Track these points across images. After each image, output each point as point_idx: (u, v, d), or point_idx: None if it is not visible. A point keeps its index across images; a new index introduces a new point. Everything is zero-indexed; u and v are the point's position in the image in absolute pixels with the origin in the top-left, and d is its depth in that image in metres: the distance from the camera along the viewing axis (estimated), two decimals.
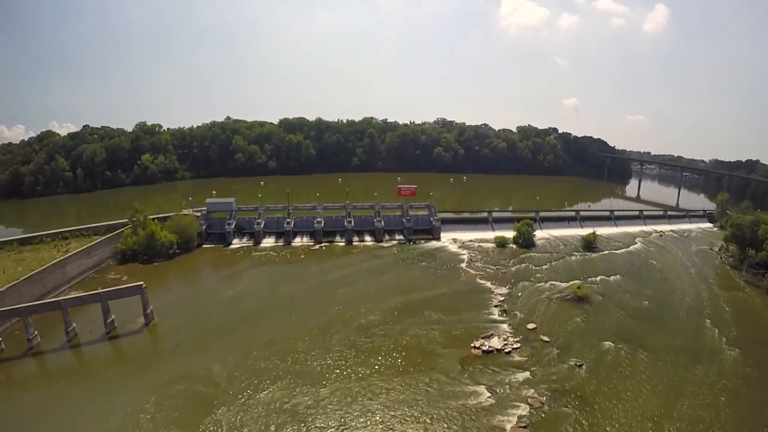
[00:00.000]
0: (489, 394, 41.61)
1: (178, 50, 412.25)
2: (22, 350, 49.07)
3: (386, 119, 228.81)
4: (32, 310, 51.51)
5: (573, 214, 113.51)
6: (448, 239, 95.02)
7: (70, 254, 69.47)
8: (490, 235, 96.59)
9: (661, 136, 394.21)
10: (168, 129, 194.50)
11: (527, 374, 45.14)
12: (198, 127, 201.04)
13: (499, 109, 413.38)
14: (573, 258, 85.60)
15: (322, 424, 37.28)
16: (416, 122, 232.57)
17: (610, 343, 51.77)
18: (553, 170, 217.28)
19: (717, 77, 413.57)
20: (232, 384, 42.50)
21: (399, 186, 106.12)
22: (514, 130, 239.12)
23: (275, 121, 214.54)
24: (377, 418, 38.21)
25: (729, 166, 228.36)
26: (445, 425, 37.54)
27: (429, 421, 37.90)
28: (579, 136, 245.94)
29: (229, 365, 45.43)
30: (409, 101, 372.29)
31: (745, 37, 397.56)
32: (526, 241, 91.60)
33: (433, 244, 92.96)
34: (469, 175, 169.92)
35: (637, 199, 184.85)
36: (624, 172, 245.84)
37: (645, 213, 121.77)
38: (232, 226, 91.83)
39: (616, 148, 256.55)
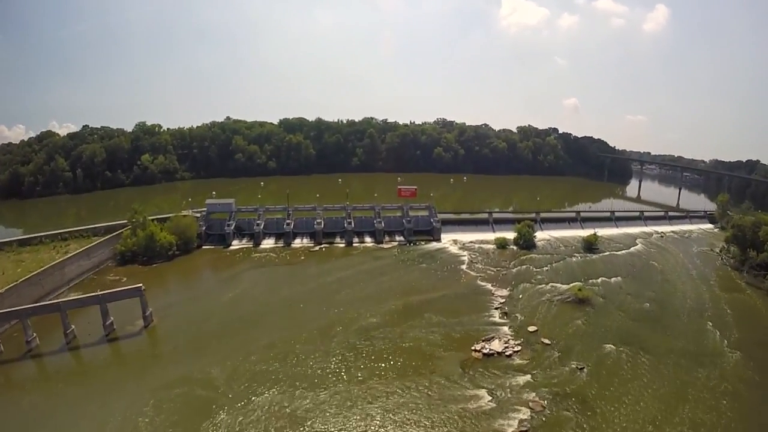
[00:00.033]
0: (490, 398, 41.37)
1: (178, 50, 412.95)
2: (21, 352, 48.91)
3: (386, 119, 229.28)
4: (31, 312, 51.26)
5: (574, 215, 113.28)
6: (449, 240, 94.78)
7: (69, 255, 69.29)
8: (491, 236, 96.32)
9: (661, 136, 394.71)
10: (168, 129, 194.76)
11: (528, 377, 44.90)
12: (198, 127, 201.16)
13: (499, 109, 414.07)
14: (574, 259, 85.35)
15: (322, 429, 37.04)
16: (416, 122, 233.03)
17: (612, 346, 51.52)
18: (554, 170, 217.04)
19: (717, 77, 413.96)
20: (231, 387, 42.25)
21: (399, 187, 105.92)
22: (515, 130, 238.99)
23: (275, 122, 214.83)
24: (377, 422, 37.96)
25: (729, 167, 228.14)
26: (446, 430, 37.28)
27: (429, 426, 37.65)
28: (579, 136, 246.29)
29: (228, 368, 45.20)
30: (409, 101, 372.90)
31: (745, 37, 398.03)
32: (526, 243, 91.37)
33: (434, 245, 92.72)
34: (470, 176, 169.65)
35: (638, 199, 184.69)
36: (624, 172, 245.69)
37: (646, 214, 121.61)
38: (232, 227, 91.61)
39: (617, 148, 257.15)
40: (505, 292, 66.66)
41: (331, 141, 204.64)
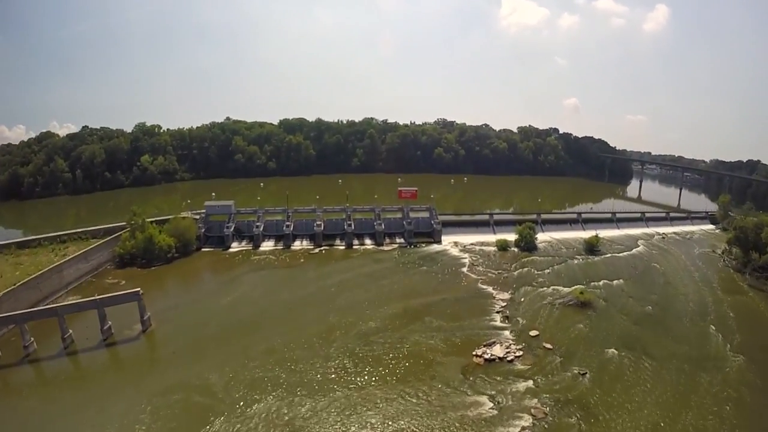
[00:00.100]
0: (491, 405, 40.91)
1: (178, 50, 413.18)
2: (19, 357, 48.59)
3: (386, 120, 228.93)
4: (28, 317, 50.97)
5: (575, 216, 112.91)
6: (449, 242, 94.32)
7: (67, 258, 68.94)
8: (492, 238, 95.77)
9: (661, 136, 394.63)
10: (167, 130, 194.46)
11: (530, 383, 44.43)
12: (197, 127, 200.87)
13: (499, 109, 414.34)
14: (575, 261, 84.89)
15: None
16: (417, 123, 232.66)
17: (614, 351, 51.07)
18: (554, 171, 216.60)
19: (717, 77, 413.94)
20: (229, 394, 41.83)
21: (399, 189, 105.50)
22: (515, 130, 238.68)
23: (275, 122, 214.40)
24: (377, 430, 37.51)
25: (730, 167, 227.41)
26: None
27: None
28: (580, 136, 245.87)
29: (226, 374, 44.78)
30: (409, 101, 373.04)
31: (745, 37, 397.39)
32: (527, 245, 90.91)
33: (434, 247, 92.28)
34: (470, 176, 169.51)
35: (639, 199, 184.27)
36: (625, 172, 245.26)
37: (647, 215, 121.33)
38: (231, 229, 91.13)
39: (617, 148, 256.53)
40: (506, 296, 66.20)
41: (331, 141, 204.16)
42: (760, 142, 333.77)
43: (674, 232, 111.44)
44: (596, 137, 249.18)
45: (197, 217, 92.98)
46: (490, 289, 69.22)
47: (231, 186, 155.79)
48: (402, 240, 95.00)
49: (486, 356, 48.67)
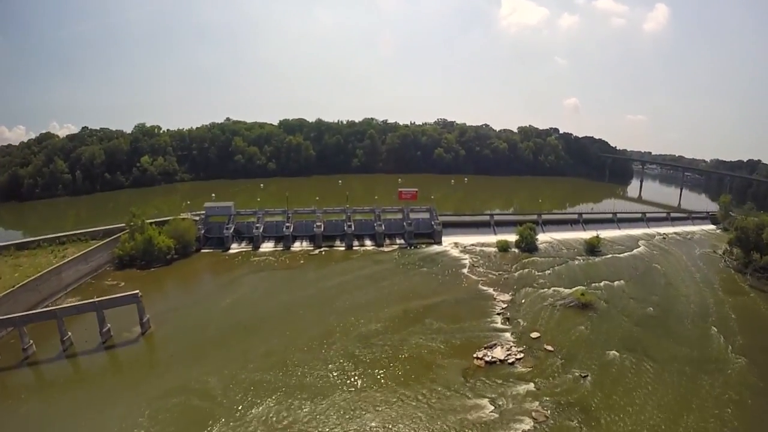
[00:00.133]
0: (492, 408, 40.65)
1: (178, 50, 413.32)
2: (18, 360, 48.37)
3: (386, 120, 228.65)
4: (27, 320, 50.76)
5: (575, 216, 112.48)
6: (450, 243, 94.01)
7: (66, 260, 68.67)
8: (492, 238, 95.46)
9: (661, 136, 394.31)
10: (167, 130, 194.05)
11: (531, 386, 44.17)
12: (197, 128, 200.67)
13: (499, 109, 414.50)
14: (576, 262, 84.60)
15: None
16: (417, 123, 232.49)
17: (615, 353, 50.83)
18: (555, 171, 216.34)
19: (717, 77, 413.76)
20: (228, 397, 41.59)
21: (400, 190, 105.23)
22: (515, 130, 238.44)
23: (275, 122, 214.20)
24: None
25: (730, 166, 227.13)
26: None
27: None
28: (580, 136, 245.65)
29: (225, 377, 44.52)
30: (409, 101, 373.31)
31: (745, 37, 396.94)
32: (528, 245, 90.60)
33: (435, 248, 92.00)
34: (470, 176, 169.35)
35: (639, 199, 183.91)
36: (625, 172, 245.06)
37: (648, 215, 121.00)
38: (231, 230, 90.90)
39: (617, 148, 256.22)
40: (507, 297, 65.94)
41: (331, 142, 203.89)
42: (760, 142, 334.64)
43: (675, 233, 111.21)
44: (596, 137, 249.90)
45: (197, 218, 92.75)
46: (490, 290, 68.96)
47: (231, 187, 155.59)
48: (402, 241, 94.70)
49: (487, 358, 48.41)
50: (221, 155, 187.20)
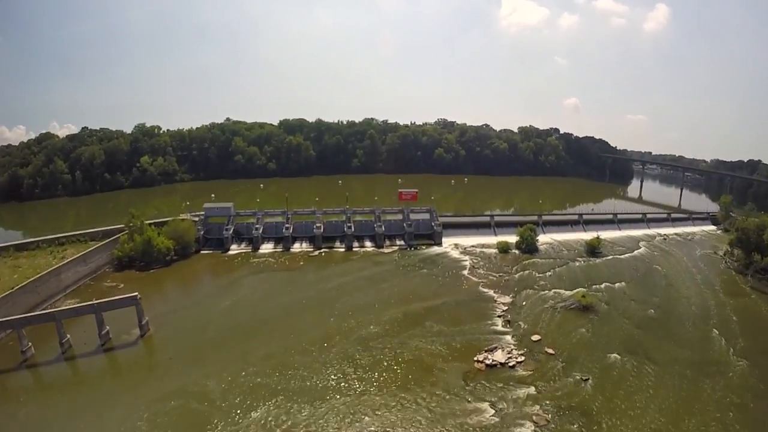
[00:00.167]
0: (492, 412, 40.41)
1: (178, 50, 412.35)
2: (17, 362, 48.19)
3: (387, 120, 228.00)
4: (25, 322, 50.58)
5: (576, 217, 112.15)
6: (450, 244, 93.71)
7: (65, 261, 68.46)
8: (493, 240, 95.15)
9: (662, 136, 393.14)
10: (167, 131, 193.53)
11: (532, 389, 43.94)
12: (197, 128, 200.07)
13: (499, 109, 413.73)
14: (577, 264, 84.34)
15: None
16: (417, 123, 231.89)
17: (616, 356, 50.61)
18: (555, 171, 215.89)
19: (717, 77, 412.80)
20: (227, 400, 41.37)
21: (400, 191, 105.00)
22: (516, 130, 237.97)
23: (275, 123, 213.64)
24: None
25: (731, 167, 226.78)
26: None
27: None
28: (580, 136, 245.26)
29: (224, 381, 44.31)
30: (409, 101, 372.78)
31: (745, 37, 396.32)
32: (529, 247, 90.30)
33: (435, 249, 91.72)
34: (471, 177, 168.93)
35: (639, 200, 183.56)
36: (626, 172, 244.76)
37: (648, 215, 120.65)
38: (230, 231, 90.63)
39: (617, 148, 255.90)
40: (507, 299, 65.70)
41: (331, 142, 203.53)
42: (760, 142, 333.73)
43: (675, 233, 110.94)
44: (597, 137, 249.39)
45: (196, 219, 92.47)
46: (491, 292, 68.69)
47: (231, 187, 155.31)
48: (402, 242, 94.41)
49: (487, 362, 48.17)
50: (221, 155, 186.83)
